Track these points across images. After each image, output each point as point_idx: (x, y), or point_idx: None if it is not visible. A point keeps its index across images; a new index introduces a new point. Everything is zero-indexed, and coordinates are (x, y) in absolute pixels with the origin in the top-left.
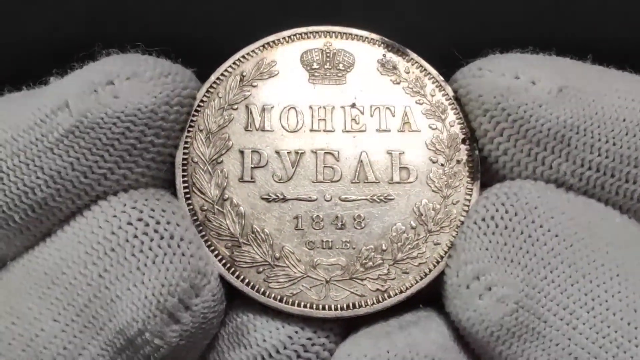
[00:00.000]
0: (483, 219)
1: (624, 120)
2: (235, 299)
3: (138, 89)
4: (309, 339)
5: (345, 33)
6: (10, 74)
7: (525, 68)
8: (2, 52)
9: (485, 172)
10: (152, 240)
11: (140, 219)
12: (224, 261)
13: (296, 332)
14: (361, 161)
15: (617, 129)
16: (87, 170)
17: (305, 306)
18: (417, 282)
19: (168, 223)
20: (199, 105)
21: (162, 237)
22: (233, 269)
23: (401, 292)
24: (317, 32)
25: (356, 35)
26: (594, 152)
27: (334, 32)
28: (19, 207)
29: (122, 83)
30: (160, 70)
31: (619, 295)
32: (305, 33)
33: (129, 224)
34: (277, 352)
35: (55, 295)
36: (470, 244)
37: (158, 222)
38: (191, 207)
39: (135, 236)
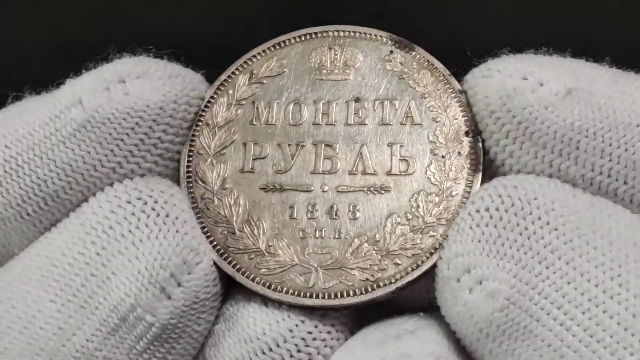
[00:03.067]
0: (477, 210)
1: (637, 126)
2: (236, 294)
3: (148, 87)
4: (310, 332)
5: (353, 31)
6: (24, 76)
7: (534, 69)
8: (12, 54)
9: (492, 176)
10: (148, 217)
11: (139, 198)
12: (218, 247)
13: (297, 325)
14: (360, 153)
15: (630, 135)
16: (97, 164)
17: (292, 293)
18: (407, 273)
19: (165, 202)
20: (208, 102)
21: (158, 215)
22: (226, 255)
23: (391, 283)
24: (325, 32)
25: (363, 34)
26: (604, 157)
27: (342, 30)
28: (32, 200)
29: (133, 81)
30: (170, 72)
31: (618, 298)
32: (314, 33)
33: (128, 202)
34: (277, 345)
35: (53, 277)
36: (463, 236)
37: (156, 201)
38: (192, 195)
39: (133, 213)
